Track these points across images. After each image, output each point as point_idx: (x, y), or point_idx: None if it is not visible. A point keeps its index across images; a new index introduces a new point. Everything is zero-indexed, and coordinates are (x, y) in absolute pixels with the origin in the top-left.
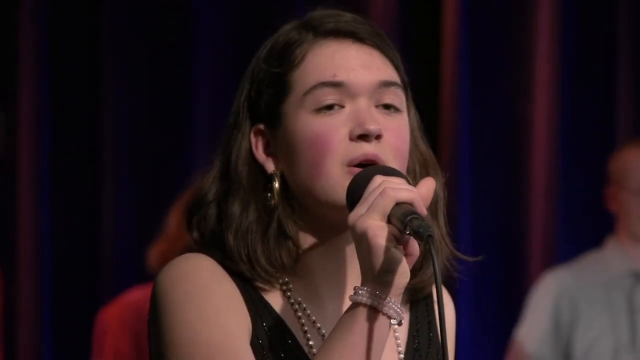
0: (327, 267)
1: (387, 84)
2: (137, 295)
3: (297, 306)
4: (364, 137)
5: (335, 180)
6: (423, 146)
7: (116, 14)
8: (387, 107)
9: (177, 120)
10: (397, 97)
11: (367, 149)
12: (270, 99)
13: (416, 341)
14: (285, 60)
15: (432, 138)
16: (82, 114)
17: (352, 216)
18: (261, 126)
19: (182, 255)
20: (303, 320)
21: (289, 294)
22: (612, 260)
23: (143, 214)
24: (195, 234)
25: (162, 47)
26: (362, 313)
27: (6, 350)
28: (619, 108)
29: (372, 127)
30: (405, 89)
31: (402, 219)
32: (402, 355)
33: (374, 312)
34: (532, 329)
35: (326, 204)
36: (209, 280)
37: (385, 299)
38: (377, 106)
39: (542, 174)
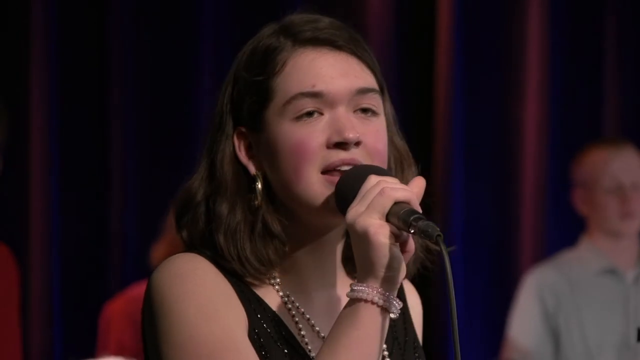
0: (312, 263)
1: (364, 91)
2: (142, 289)
3: (286, 299)
4: (342, 144)
5: (313, 187)
6: (399, 141)
7: (122, 20)
8: (364, 111)
9: (182, 120)
10: (375, 101)
11: (343, 155)
12: (252, 106)
13: (394, 330)
14: (266, 68)
15: (426, 137)
16: (90, 116)
17: (351, 214)
18: (243, 128)
19: (175, 255)
20: (294, 312)
21: (277, 287)
22: (587, 257)
23: (150, 212)
24: (184, 234)
25: (169, 53)
26: (364, 308)
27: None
28: (606, 108)
29: (350, 135)
30: (381, 90)
31: (405, 219)
32: (384, 345)
33: (375, 307)
34: (523, 324)
35: (306, 208)
36: (204, 279)
37: (385, 294)
38: (355, 111)
39: (532, 173)
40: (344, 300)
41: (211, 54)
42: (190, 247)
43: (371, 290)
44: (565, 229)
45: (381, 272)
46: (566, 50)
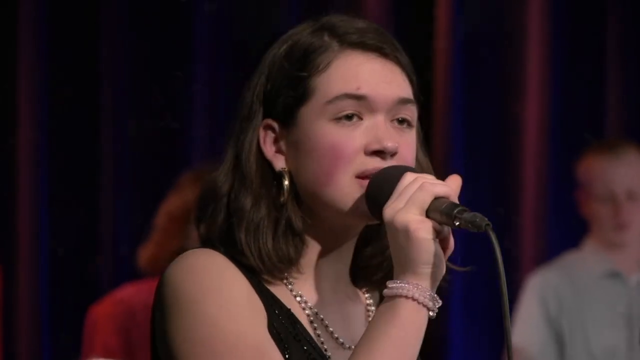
0: (326, 266)
1: (404, 101)
2: (128, 292)
3: (299, 298)
4: (380, 153)
5: (345, 190)
6: (422, 156)
7: (115, 19)
8: (401, 122)
9: (178, 121)
10: (412, 113)
11: (380, 164)
12: (289, 101)
13: None
14: (309, 65)
15: (426, 136)
16: (83, 117)
17: (389, 210)
18: (272, 121)
19: (190, 251)
20: (307, 312)
21: (290, 286)
22: (590, 260)
23: (142, 215)
24: (202, 229)
25: (167, 53)
26: (403, 305)
27: (6, 350)
28: (607, 108)
29: (390, 145)
30: (417, 103)
31: (449, 212)
32: None
33: (415, 304)
34: (526, 327)
35: (333, 210)
36: (222, 274)
37: (425, 290)
38: (392, 120)
39: (533, 173)
40: (355, 306)
41: (211, 54)
42: (205, 242)
43: (412, 287)
44: (566, 229)
45: (422, 268)
46: (567, 49)
